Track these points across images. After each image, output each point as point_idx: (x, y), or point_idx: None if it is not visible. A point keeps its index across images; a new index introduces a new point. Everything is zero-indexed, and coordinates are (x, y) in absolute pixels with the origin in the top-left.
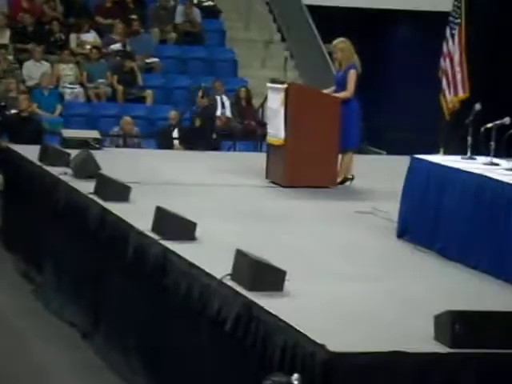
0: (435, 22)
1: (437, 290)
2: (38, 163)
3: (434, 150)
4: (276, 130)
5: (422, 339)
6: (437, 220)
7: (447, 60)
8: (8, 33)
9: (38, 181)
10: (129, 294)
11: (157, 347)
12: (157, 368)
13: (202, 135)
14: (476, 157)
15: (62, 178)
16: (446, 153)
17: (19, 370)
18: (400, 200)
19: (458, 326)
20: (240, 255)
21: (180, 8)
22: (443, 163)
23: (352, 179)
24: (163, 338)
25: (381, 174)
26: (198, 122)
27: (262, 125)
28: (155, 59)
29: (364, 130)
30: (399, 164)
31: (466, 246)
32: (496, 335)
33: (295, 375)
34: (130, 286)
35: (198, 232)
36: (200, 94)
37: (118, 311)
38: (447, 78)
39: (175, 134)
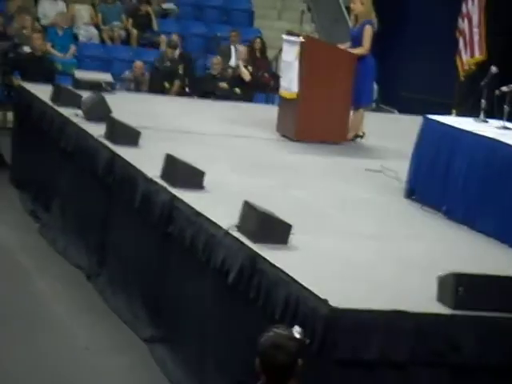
0: None
1: (441, 251)
2: (50, 103)
3: (446, 111)
4: (289, 83)
5: (424, 300)
6: (445, 181)
7: (465, 20)
8: None
9: (48, 121)
10: (134, 240)
11: (160, 293)
12: (158, 314)
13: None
14: (489, 120)
15: (73, 119)
16: (459, 114)
17: (23, 305)
18: (410, 160)
19: (461, 288)
20: (247, 207)
21: None
22: (455, 125)
23: (362, 136)
24: (166, 285)
25: (392, 133)
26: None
27: (276, 77)
28: (172, 5)
29: (377, 88)
30: (411, 123)
31: (474, 209)
32: (499, 299)
33: (296, 327)
34: (136, 231)
35: (207, 181)
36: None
37: (123, 255)
38: (464, 39)
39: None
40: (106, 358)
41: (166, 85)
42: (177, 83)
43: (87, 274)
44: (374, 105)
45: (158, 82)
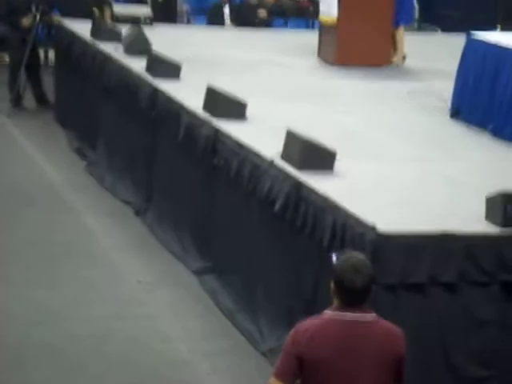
0: None
1: (489, 170)
2: (90, 40)
3: (491, 27)
4: (328, 8)
5: (472, 220)
6: (491, 100)
7: None
8: None
9: (89, 57)
10: (180, 173)
11: (207, 225)
12: (207, 246)
13: (254, 12)
14: None
15: (114, 55)
16: (504, 29)
17: (75, 242)
18: (455, 79)
19: (510, 206)
20: (291, 135)
21: None
22: (500, 42)
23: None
24: (214, 217)
25: (435, 53)
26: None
27: (315, 2)
28: None
29: (417, 7)
30: (454, 42)
31: None
32: None
33: (334, 255)
34: (182, 164)
35: (249, 112)
36: None
37: (170, 189)
38: None
39: (226, 10)
40: (158, 291)
41: None
42: None
43: (135, 210)
44: (415, 24)
45: None
